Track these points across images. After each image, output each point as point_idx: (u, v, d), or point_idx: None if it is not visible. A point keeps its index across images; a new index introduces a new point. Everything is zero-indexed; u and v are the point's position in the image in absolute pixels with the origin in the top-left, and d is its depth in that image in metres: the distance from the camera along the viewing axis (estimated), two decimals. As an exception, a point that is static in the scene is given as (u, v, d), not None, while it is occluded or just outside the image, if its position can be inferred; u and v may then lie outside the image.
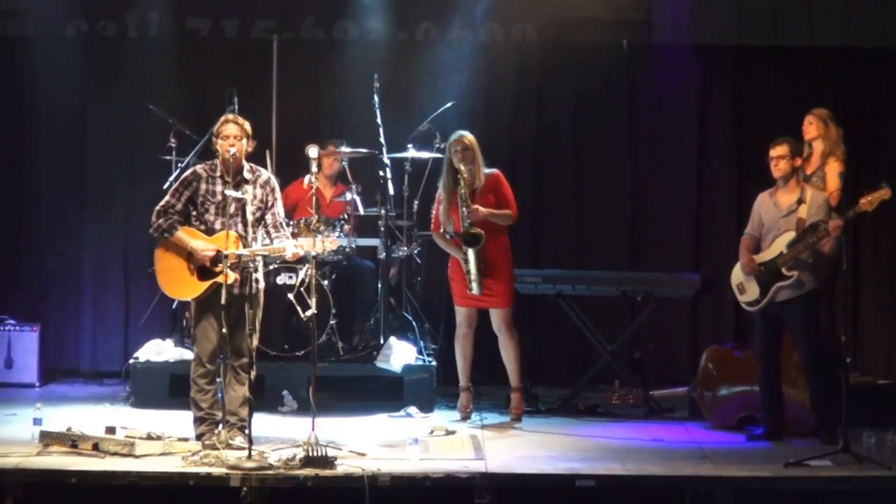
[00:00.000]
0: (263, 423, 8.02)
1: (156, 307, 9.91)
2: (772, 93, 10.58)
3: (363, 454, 7.30)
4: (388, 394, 9.02)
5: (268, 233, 7.65)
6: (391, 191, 9.44)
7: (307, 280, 7.74)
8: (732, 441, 8.11)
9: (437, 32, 10.57)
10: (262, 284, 7.70)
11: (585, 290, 9.32)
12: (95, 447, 7.27)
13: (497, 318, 8.59)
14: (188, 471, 6.94)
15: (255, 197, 7.56)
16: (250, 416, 7.18)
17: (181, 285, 7.63)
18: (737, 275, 8.22)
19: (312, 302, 7.36)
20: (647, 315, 9.29)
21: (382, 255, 9.40)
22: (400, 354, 9.14)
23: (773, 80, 10.60)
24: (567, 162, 10.69)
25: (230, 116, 7.73)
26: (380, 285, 9.40)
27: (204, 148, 9.10)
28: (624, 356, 9.68)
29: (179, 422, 7.90)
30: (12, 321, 10.03)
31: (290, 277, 9.03)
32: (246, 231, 7.51)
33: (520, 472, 7.13)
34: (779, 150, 8.05)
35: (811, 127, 8.60)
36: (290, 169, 9.65)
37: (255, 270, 7.59)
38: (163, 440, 7.34)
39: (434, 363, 9.23)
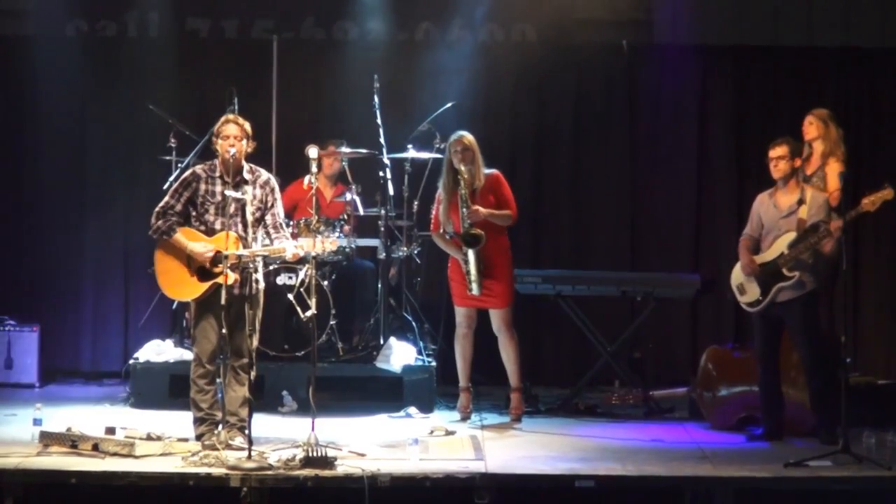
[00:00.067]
0: (263, 424, 8.02)
1: (156, 307, 9.92)
2: (772, 93, 10.59)
3: (363, 454, 7.30)
4: (388, 394, 9.02)
5: (267, 233, 7.65)
6: (391, 191, 9.45)
7: (307, 280, 7.74)
8: (732, 441, 8.11)
9: (437, 33, 10.57)
10: (262, 285, 7.70)
11: (585, 290, 9.32)
12: (95, 447, 7.27)
13: (497, 318, 8.60)
14: (188, 471, 6.94)
15: (254, 197, 7.56)
16: (250, 416, 7.18)
17: (181, 286, 7.63)
18: (737, 275, 8.22)
19: (312, 302, 7.36)
20: (647, 315, 9.29)
21: (382, 256, 9.40)
22: (400, 355, 9.14)
23: (773, 80, 10.60)
24: (567, 162, 10.69)
25: (230, 117, 7.73)
26: (380, 285, 9.40)
27: (204, 148, 9.10)
28: (624, 356, 9.68)
29: (179, 422, 7.90)
30: (12, 321, 10.03)
31: (290, 278, 9.03)
32: (246, 231, 7.51)
33: (520, 473, 7.13)
34: (778, 151, 8.05)
35: (811, 127, 8.60)
36: (290, 169, 9.65)
37: (255, 271, 7.59)
38: (163, 440, 7.34)
39: (434, 363, 9.23)
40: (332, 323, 9.09)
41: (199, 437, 7.56)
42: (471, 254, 8.46)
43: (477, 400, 8.96)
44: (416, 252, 9.64)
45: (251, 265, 7.52)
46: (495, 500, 6.93)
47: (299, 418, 8.38)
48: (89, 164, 10.61)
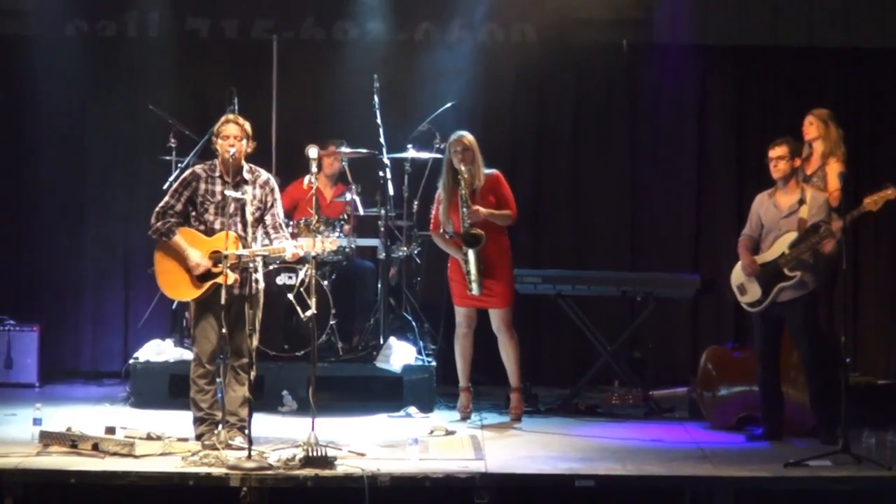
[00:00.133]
0: (263, 424, 8.02)
1: (156, 307, 9.91)
2: (772, 93, 10.59)
3: (363, 454, 7.30)
4: (388, 394, 9.02)
5: (267, 233, 7.65)
6: (391, 191, 9.45)
7: (307, 280, 7.73)
8: (732, 441, 8.11)
9: (437, 33, 10.56)
10: (261, 285, 7.70)
11: (585, 290, 9.32)
12: (95, 447, 7.27)
13: (497, 318, 8.59)
14: (188, 471, 6.94)
15: (254, 197, 7.56)
16: (250, 416, 7.18)
17: (181, 286, 7.63)
18: (737, 276, 8.21)
19: (312, 302, 7.36)
20: (647, 315, 9.29)
21: (382, 256, 9.40)
22: (400, 354, 9.14)
23: (773, 80, 10.60)
24: (567, 162, 10.70)
25: (230, 116, 7.74)
26: (380, 285, 9.40)
27: (204, 148, 9.10)
28: (624, 356, 9.68)
29: (179, 422, 7.90)
30: (12, 321, 10.02)
31: (290, 278, 9.03)
32: (245, 231, 7.51)
33: (520, 472, 7.13)
34: (778, 151, 8.05)
35: (811, 127, 8.60)
36: (290, 169, 9.66)
37: (255, 271, 7.59)
38: (163, 440, 7.34)
39: (434, 363, 9.23)
40: (332, 323, 9.09)
41: (199, 437, 7.57)
42: (471, 254, 8.46)
43: (477, 400, 8.96)
44: (416, 252, 9.64)
45: (251, 265, 7.51)
46: (495, 500, 6.93)
47: (299, 418, 8.38)
48: (89, 164, 10.61)
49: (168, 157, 9.74)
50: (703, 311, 10.52)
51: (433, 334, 9.74)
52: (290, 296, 8.45)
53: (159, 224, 7.60)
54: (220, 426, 7.55)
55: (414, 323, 9.55)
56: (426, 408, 8.89)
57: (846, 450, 7.31)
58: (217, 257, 7.42)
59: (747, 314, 8.37)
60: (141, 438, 7.31)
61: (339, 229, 9.22)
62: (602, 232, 10.67)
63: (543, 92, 10.67)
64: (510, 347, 8.60)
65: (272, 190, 7.71)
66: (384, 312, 9.32)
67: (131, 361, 9.31)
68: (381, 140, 9.44)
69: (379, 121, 9.42)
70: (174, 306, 9.68)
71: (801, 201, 8.00)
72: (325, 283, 9.11)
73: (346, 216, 9.38)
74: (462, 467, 7.10)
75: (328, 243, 7.54)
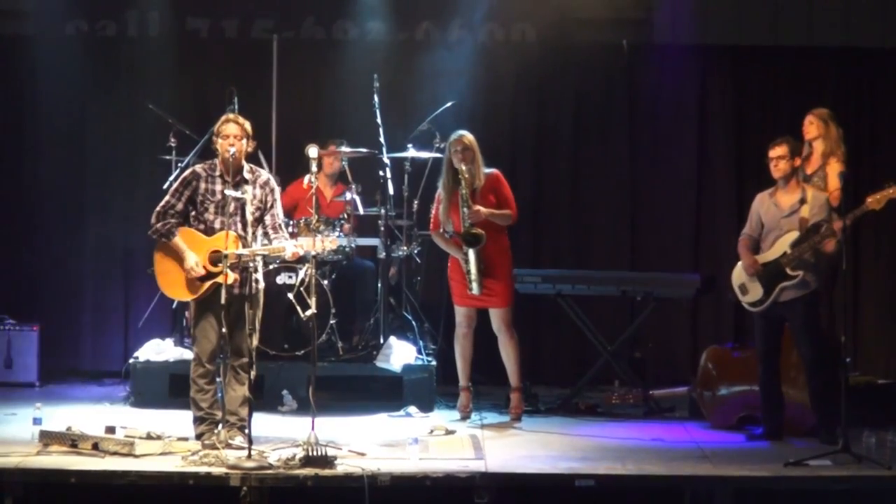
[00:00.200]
0: (263, 423, 8.02)
1: (156, 307, 9.91)
2: (772, 93, 10.59)
3: (363, 454, 7.30)
4: (388, 394, 9.02)
5: (266, 234, 7.65)
6: (391, 190, 9.45)
7: (307, 280, 7.74)
8: (732, 441, 8.11)
9: (437, 33, 10.57)
10: (261, 284, 7.70)
11: (585, 290, 9.32)
12: (95, 447, 7.27)
13: (497, 318, 8.59)
14: (188, 470, 6.94)
15: (254, 197, 7.56)
16: (250, 415, 7.18)
17: (181, 286, 7.63)
18: (738, 275, 8.21)
19: (312, 302, 7.36)
20: (647, 315, 9.28)
21: (382, 255, 9.40)
22: (400, 354, 9.14)
23: (773, 80, 10.60)
24: (567, 162, 10.69)
25: (231, 116, 7.74)
26: (380, 285, 9.40)
27: (204, 148, 9.10)
28: (624, 356, 9.67)
29: (179, 422, 7.90)
30: (12, 321, 10.02)
31: (290, 277, 9.03)
32: (245, 231, 7.51)
33: (520, 472, 7.13)
34: (778, 151, 8.05)
35: (812, 127, 8.59)
36: (290, 169, 9.66)
37: (255, 271, 7.59)
38: (163, 440, 7.34)
39: (434, 363, 9.23)
40: (332, 322, 9.09)
41: (198, 437, 7.57)
42: (471, 253, 8.46)
43: (477, 399, 8.96)
44: (416, 251, 9.64)
45: (251, 265, 7.51)
46: (495, 500, 6.92)
47: (299, 418, 8.38)
48: (89, 164, 10.60)
49: (168, 157, 9.74)
50: (703, 311, 10.52)
51: (433, 334, 9.74)
52: (291, 295, 8.48)
53: (159, 225, 7.60)
54: (220, 426, 7.55)
55: (414, 322, 9.55)
56: (426, 407, 8.88)
57: (846, 449, 7.31)
58: (217, 257, 7.42)
59: (747, 314, 8.37)
60: (141, 438, 7.31)
61: (339, 229, 9.23)
62: (602, 232, 10.67)
63: (543, 92, 10.67)
64: (510, 347, 8.60)
65: (272, 190, 7.71)
66: (384, 312, 9.32)
67: (131, 361, 9.31)
68: (381, 140, 9.44)
69: (379, 120, 9.42)
70: (174, 306, 9.68)
71: (803, 201, 8.01)
72: (325, 282, 9.11)
73: (346, 216, 9.38)
74: (462, 467, 7.10)
75: (328, 243, 7.54)
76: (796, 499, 7.10)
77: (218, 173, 7.65)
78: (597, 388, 9.56)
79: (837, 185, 8.15)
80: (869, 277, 10.50)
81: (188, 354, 8.44)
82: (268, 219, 7.66)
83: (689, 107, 10.65)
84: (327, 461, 6.96)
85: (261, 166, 9.23)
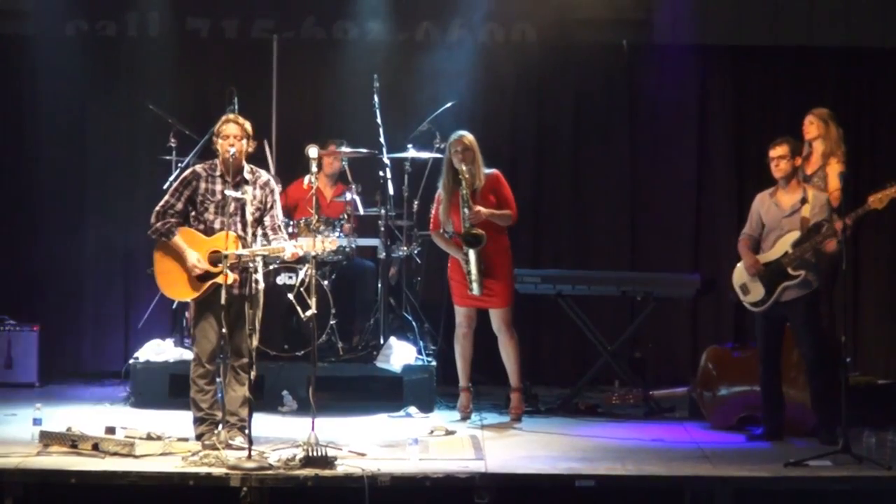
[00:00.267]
0: (263, 423, 8.02)
1: (156, 307, 9.90)
2: (772, 93, 10.59)
3: (363, 454, 7.30)
4: (388, 394, 9.02)
5: (265, 235, 7.65)
6: (391, 191, 9.45)
7: (307, 280, 7.74)
8: (732, 441, 8.11)
9: (437, 33, 10.57)
10: (261, 285, 7.70)
11: (585, 290, 9.32)
12: (95, 447, 7.27)
13: (497, 318, 8.59)
14: (188, 471, 6.94)
15: (254, 198, 7.56)
16: (250, 416, 7.18)
17: (180, 286, 7.63)
18: (739, 275, 8.21)
19: (312, 302, 7.36)
20: (647, 315, 9.28)
21: (382, 255, 9.40)
22: (400, 354, 9.14)
23: (773, 80, 10.60)
24: (567, 162, 10.70)
25: (231, 116, 7.74)
26: (380, 285, 9.40)
27: (204, 148, 9.10)
28: (624, 356, 9.67)
29: (179, 422, 7.90)
30: (12, 321, 10.02)
31: (290, 277, 9.03)
32: (245, 231, 7.51)
33: (520, 472, 7.13)
34: (779, 151, 8.05)
35: (812, 127, 8.59)
36: (290, 169, 9.66)
37: (255, 271, 7.59)
38: (163, 440, 7.34)
39: (434, 363, 9.23)
40: (332, 323, 9.09)
41: (199, 437, 7.57)
42: (472, 253, 8.45)
43: (477, 400, 8.96)
44: (416, 252, 9.64)
45: (251, 265, 7.51)
46: (495, 500, 6.92)
47: (299, 418, 8.38)
48: (89, 164, 10.60)
49: (168, 157, 9.75)
50: (703, 311, 10.52)
51: (433, 334, 9.74)
52: (291, 296, 8.47)
53: (159, 224, 7.60)
54: (220, 426, 7.55)
55: (414, 323, 9.55)
56: (426, 408, 8.88)
57: (846, 450, 7.31)
58: (217, 257, 7.42)
59: (747, 314, 8.37)
60: (141, 438, 7.31)
61: (339, 229, 9.23)
62: (602, 232, 10.67)
63: (543, 92, 10.67)
64: (510, 347, 8.60)
65: (272, 191, 7.71)
66: (384, 312, 9.32)
67: (131, 361, 9.31)
68: (381, 140, 9.44)
69: (379, 120, 9.42)
70: (174, 306, 9.68)
71: (804, 200, 8.00)
72: (325, 282, 9.11)
73: (346, 216, 9.38)
74: (462, 467, 7.10)
75: (328, 243, 7.54)
76: (796, 499, 7.10)
77: (218, 173, 7.65)
78: (597, 389, 9.57)
79: (837, 186, 8.15)
80: (869, 277, 10.50)
81: (188, 355, 8.44)
82: (267, 219, 7.66)
83: (689, 107, 10.65)
84: (327, 461, 6.96)
85: (266, 162, 9.27)
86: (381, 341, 9.22)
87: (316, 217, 7.69)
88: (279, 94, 9.91)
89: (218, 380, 7.72)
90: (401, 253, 9.52)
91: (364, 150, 9.57)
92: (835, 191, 8.23)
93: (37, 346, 9.98)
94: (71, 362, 10.48)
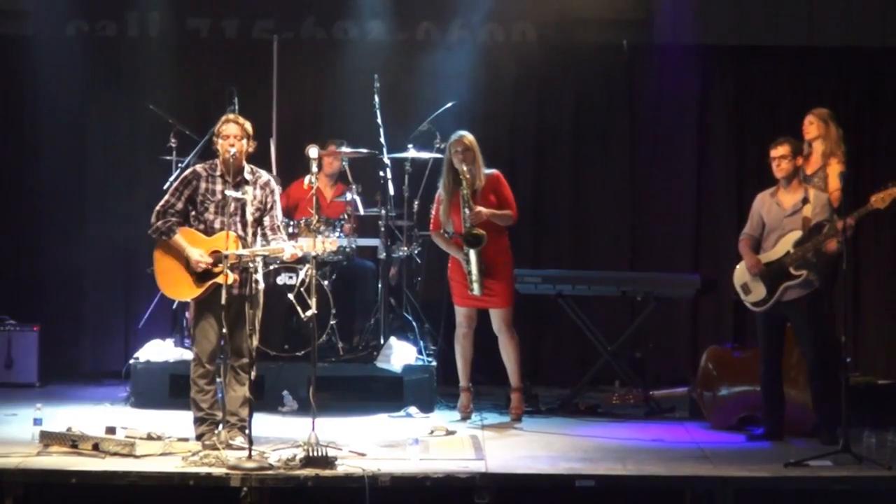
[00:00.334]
0: (263, 424, 8.02)
1: (156, 307, 9.90)
2: (772, 93, 10.59)
3: (363, 454, 7.30)
4: (389, 394, 9.02)
5: (264, 235, 7.65)
6: (391, 191, 9.45)
7: (307, 280, 7.74)
8: (732, 441, 8.11)
9: (437, 33, 10.57)
10: (261, 285, 7.70)
11: (585, 290, 9.32)
12: (95, 447, 7.27)
13: (497, 318, 8.59)
14: (188, 471, 6.94)
15: (254, 198, 7.56)
16: (250, 416, 7.18)
17: (180, 286, 7.63)
18: (741, 275, 8.20)
19: (312, 302, 7.36)
20: (647, 315, 9.29)
21: (382, 255, 9.40)
22: (400, 354, 9.14)
23: (773, 80, 10.60)
24: (567, 162, 10.70)
25: (231, 116, 7.74)
26: (380, 285, 9.40)
27: (204, 148, 9.10)
28: (624, 356, 9.67)
29: (179, 422, 7.90)
30: (12, 321, 10.03)
31: (291, 277, 9.03)
32: (245, 231, 7.50)
33: (520, 472, 7.13)
34: (780, 151, 8.05)
35: (812, 127, 8.58)
36: (291, 169, 9.66)
37: (255, 271, 7.59)
38: (163, 440, 7.34)
39: (434, 363, 9.23)
40: (332, 323, 9.09)
41: (199, 437, 7.57)
42: (472, 254, 8.45)
43: (477, 400, 8.95)
44: (416, 252, 9.64)
45: (251, 265, 7.51)
46: (495, 500, 6.92)
47: (299, 418, 8.38)
48: (89, 164, 10.61)
49: (168, 157, 9.75)
50: (703, 311, 10.52)
51: (433, 334, 9.74)
52: (291, 296, 8.47)
53: (160, 223, 7.60)
54: (220, 426, 7.55)
55: (414, 323, 9.55)
56: (426, 408, 8.88)
57: (846, 450, 7.31)
58: (217, 257, 7.42)
59: (747, 314, 8.36)
60: (141, 438, 7.31)
61: (339, 229, 9.23)
62: (602, 232, 10.67)
63: (543, 92, 10.67)
64: (510, 347, 8.60)
65: (272, 192, 7.71)
66: (384, 312, 9.32)
67: (131, 361, 9.31)
68: (382, 140, 9.44)
69: (379, 121, 9.42)
70: (174, 306, 9.68)
71: (805, 200, 8.00)
72: (326, 283, 9.11)
73: (346, 216, 9.38)
74: (462, 467, 7.10)
75: (328, 243, 7.54)
76: (797, 499, 7.10)
77: (218, 173, 7.65)
78: (597, 389, 9.56)
79: (838, 186, 8.15)
80: (869, 277, 10.50)
81: (188, 355, 8.43)
82: (266, 220, 7.66)
83: (689, 107, 10.65)
84: (328, 462, 6.96)
85: (268, 162, 9.26)
86: (382, 341, 9.22)
87: (316, 217, 7.68)
88: (279, 94, 9.91)
89: (218, 380, 7.72)
90: (401, 253, 9.52)
91: (364, 150, 9.57)
92: (835, 191, 8.23)
93: (37, 346, 9.99)
94: (71, 362, 10.47)
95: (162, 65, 10.46)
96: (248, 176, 7.63)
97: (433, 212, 8.73)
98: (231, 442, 7.39)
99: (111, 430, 7.41)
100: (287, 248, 7.43)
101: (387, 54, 10.39)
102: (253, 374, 7.32)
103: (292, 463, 6.97)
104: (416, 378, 9.02)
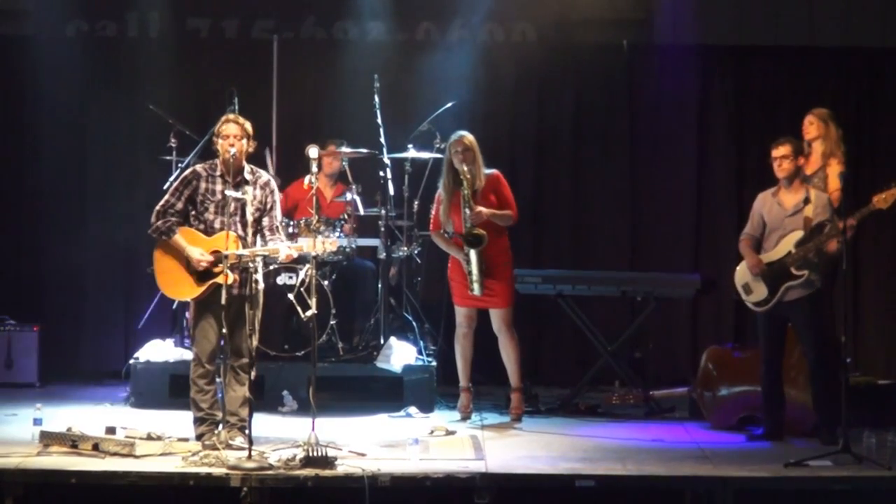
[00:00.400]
0: (263, 424, 8.02)
1: (156, 307, 9.90)
2: (772, 93, 10.59)
3: (363, 454, 7.29)
4: (388, 394, 9.02)
5: (263, 235, 7.65)
6: (391, 191, 9.45)
7: (307, 280, 7.74)
8: (732, 441, 8.11)
9: (437, 33, 10.57)
10: (261, 285, 7.70)
11: (585, 290, 9.32)
12: (95, 447, 7.27)
13: (497, 318, 8.59)
14: (188, 471, 6.94)
15: (254, 198, 7.56)
16: (250, 416, 7.18)
17: (180, 286, 7.63)
18: (742, 275, 8.20)
19: (312, 302, 7.36)
20: (647, 315, 9.28)
21: (382, 256, 9.40)
22: (400, 354, 9.14)
23: (773, 80, 10.60)
24: (567, 162, 10.70)
25: (231, 116, 7.74)
26: (380, 285, 9.40)
27: (204, 148, 9.10)
28: (624, 356, 9.67)
29: (179, 422, 7.90)
30: (12, 321, 10.03)
31: (291, 278, 9.03)
32: (245, 231, 7.51)
33: (520, 472, 7.13)
34: (782, 150, 8.05)
35: (812, 127, 8.58)
36: (291, 169, 9.66)
37: (255, 271, 7.58)
38: (163, 440, 7.34)
39: (434, 363, 9.23)
40: (332, 323, 9.09)
41: (199, 437, 7.57)
42: (472, 254, 8.45)
43: (477, 400, 8.95)
44: (416, 252, 9.64)
45: (251, 265, 7.51)
46: (495, 500, 6.92)
47: (299, 418, 8.39)
48: (89, 164, 10.61)
49: (168, 157, 9.75)
50: (703, 311, 10.52)
51: (433, 334, 9.74)
52: (291, 296, 8.46)
53: (160, 223, 7.60)
54: (220, 426, 7.55)
55: (414, 323, 9.55)
56: (426, 408, 8.88)
57: (846, 450, 7.31)
58: (217, 257, 7.42)
59: (747, 314, 8.37)
60: (141, 438, 7.31)
61: (339, 229, 9.23)
62: (602, 232, 10.67)
63: (543, 92, 10.68)
64: (510, 347, 8.60)
65: (272, 192, 7.71)
66: (384, 312, 9.32)
67: (131, 361, 9.31)
68: (382, 140, 9.44)
69: (379, 121, 9.42)
70: (174, 306, 9.68)
71: (807, 200, 8.00)
72: (326, 283, 9.11)
73: (346, 216, 9.38)
74: (462, 467, 7.10)
75: (328, 243, 7.54)
76: (797, 499, 7.10)
77: (218, 173, 7.65)
78: (597, 389, 9.55)
79: (838, 186, 8.15)
80: (869, 277, 10.50)
81: (188, 355, 8.43)
82: (265, 220, 7.66)
83: (689, 107, 10.65)
84: (328, 462, 6.96)
85: (266, 165, 9.26)
86: (382, 341, 9.22)
87: (316, 217, 7.68)
88: (279, 94, 9.92)
89: (218, 380, 7.72)
90: (401, 253, 9.52)
91: (364, 150, 9.58)
92: (835, 191, 8.23)
93: (37, 346, 9.99)
94: (71, 362, 10.47)
95: (162, 65, 10.46)
96: (248, 176, 7.63)
97: (433, 212, 8.73)
98: (231, 442, 7.39)
99: (111, 430, 7.42)
100: (282, 249, 7.43)
101: (387, 54, 10.40)
102: (253, 374, 7.32)
103: (292, 463, 6.97)
104: (416, 378, 9.02)
